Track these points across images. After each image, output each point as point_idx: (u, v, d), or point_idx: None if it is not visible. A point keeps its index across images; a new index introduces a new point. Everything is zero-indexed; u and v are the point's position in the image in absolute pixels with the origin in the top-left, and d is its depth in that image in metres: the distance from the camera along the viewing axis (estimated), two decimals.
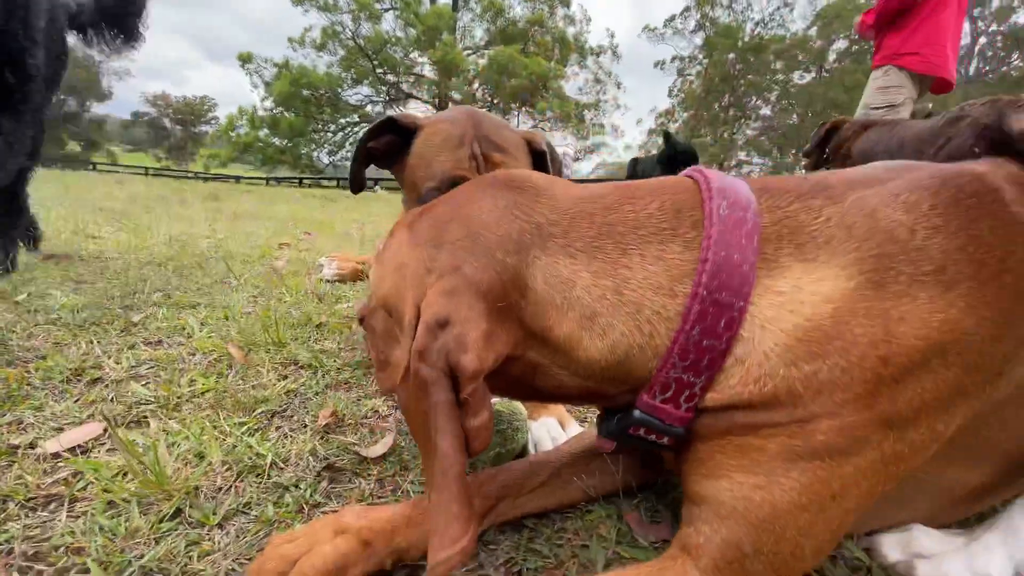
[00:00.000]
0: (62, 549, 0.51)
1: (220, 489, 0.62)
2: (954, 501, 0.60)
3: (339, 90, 24.37)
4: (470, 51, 23.94)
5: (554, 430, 0.72)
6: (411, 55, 24.71)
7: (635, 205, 0.48)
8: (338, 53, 24.33)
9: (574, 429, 0.74)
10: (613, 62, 28.95)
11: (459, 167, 0.79)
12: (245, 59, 24.34)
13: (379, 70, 24.31)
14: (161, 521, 0.55)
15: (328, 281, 1.75)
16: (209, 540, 0.53)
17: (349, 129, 26.69)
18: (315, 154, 26.68)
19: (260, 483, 0.63)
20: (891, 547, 0.59)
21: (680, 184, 0.50)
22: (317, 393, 0.89)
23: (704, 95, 35.55)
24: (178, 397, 0.82)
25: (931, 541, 0.59)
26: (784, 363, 0.43)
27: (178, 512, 0.57)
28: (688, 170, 0.53)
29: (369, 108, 26.24)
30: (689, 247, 0.45)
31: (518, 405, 0.73)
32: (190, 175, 24.91)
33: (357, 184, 0.92)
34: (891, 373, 0.42)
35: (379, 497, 0.63)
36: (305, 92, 23.47)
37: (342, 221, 4.22)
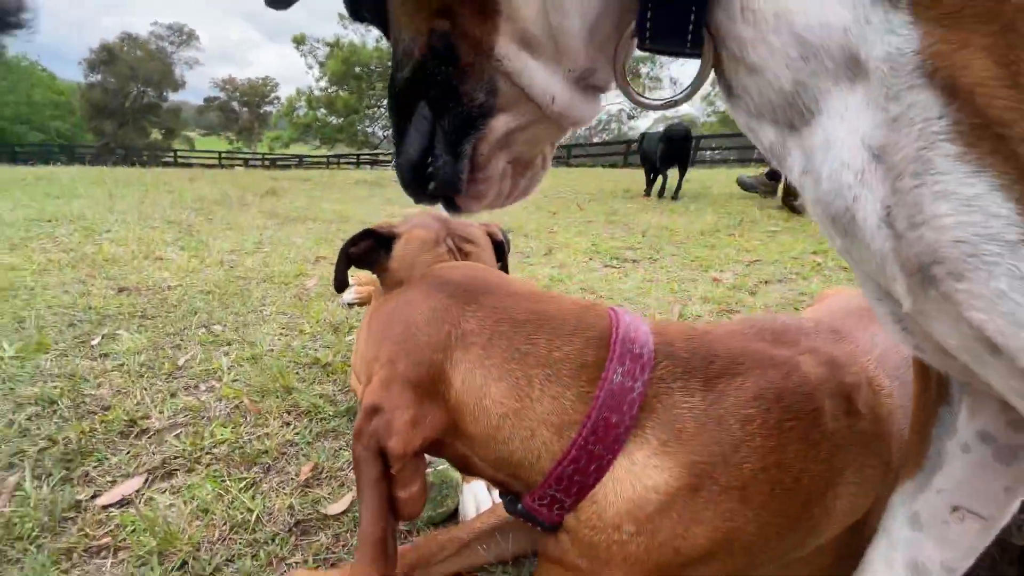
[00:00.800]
0: None
1: (217, 541, 0.82)
2: None
3: (389, 64, 24.59)
4: None
5: (480, 494, 0.87)
6: None
7: (550, 344, 0.58)
8: None
9: (496, 493, 0.88)
10: None
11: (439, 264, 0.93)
12: (299, 41, 25.07)
13: None
14: (172, 571, 0.76)
15: (348, 305, 1.96)
16: None
17: None
18: (370, 130, 27.36)
19: (246, 538, 0.83)
20: None
21: (594, 332, 0.59)
22: (309, 443, 1.08)
23: None
24: (200, 450, 1.04)
25: None
26: (612, 524, 0.54)
27: (184, 564, 0.78)
28: (612, 311, 0.62)
29: None
30: (583, 399, 0.56)
31: (452, 474, 0.88)
32: (257, 157, 26.42)
33: (340, 286, 1.07)
34: (680, 560, 0.53)
35: (332, 551, 0.81)
36: (357, 69, 23.94)
37: (383, 217, 4.47)
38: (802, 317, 0.72)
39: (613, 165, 13.82)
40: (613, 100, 0.50)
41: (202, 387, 1.31)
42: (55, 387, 1.24)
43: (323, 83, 25.29)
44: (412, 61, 0.46)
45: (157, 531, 0.80)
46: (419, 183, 0.49)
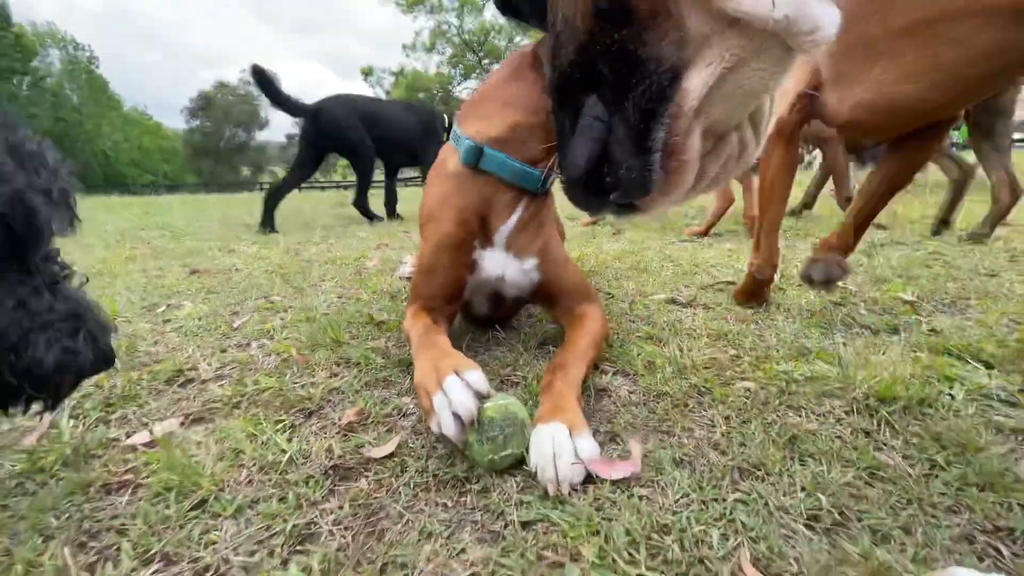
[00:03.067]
0: (112, 531, 0.61)
1: (244, 481, 0.69)
2: None
3: (449, 87, 25.48)
4: None
5: (559, 436, 0.68)
6: (515, 40, 24.82)
7: None
8: (446, 51, 25.41)
9: (585, 442, 0.69)
10: None
11: None
12: (367, 72, 26.63)
13: (485, 61, 24.87)
14: (190, 509, 0.64)
15: (405, 279, 1.85)
16: (218, 530, 0.60)
17: None
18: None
19: (276, 479, 0.69)
20: None
21: None
22: (356, 391, 0.95)
23: None
24: (241, 396, 0.94)
25: None
26: None
27: (203, 502, 0.65)
28: None
29: None
30: None
31: (516, 408, 0.70)
32: (332, 184, 28.13)
33: None
34: None
35: (373, 497, 0.65)
36: (420, 94, 24.96)
37: None
38: None
39: None
40: None
41: (254, 344, 1.23)
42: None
43: None
44: (576, 38, 0.33)
45: (177, 468, 0.69)
46: (598, 197, 0.37)
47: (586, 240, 2.54)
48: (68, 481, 0.70)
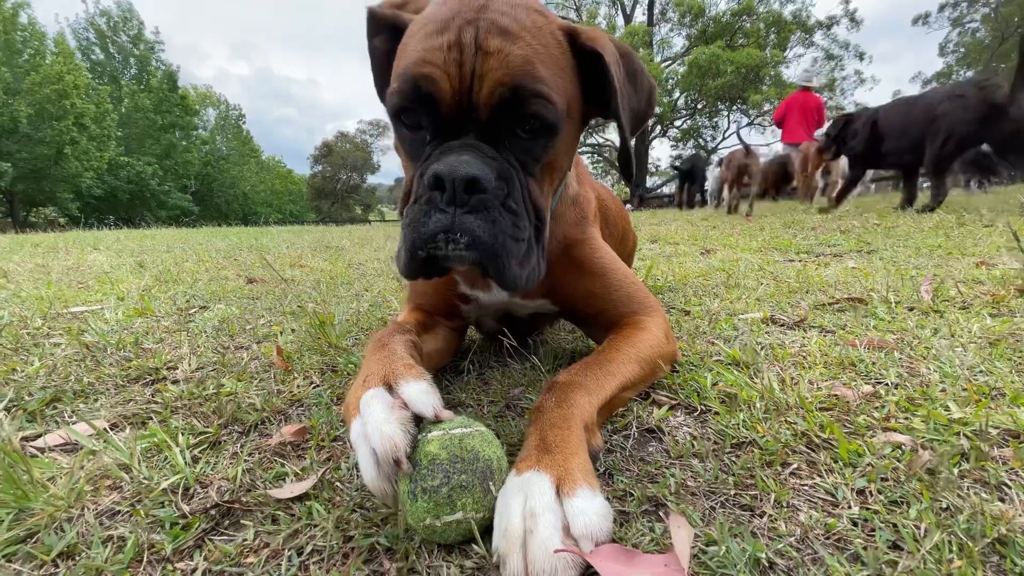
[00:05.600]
0: None
1: (103, 512, 0.49)
2: None
3: None
4: (669, 61, 22.90)
5: (537, 499, 0.40)
6: None
7: None
8: None
9: (584, 506, 0.40)
10: (851, 31, 23.78)
11: (427, 59, 0.55)
12: None
13: None
14: (12, 544, 0.45)
15: None
16: None
17: None
18: None
19: (143, 513, 0.48)
20: None
21: None
22: (318, 404, 0.74)
23: (998, 42, 26.80)
24: (191, 399, 0.76)
25: None
26: None
27: (31, 536, 0.46)
28: None
29: None
30: None
31: (479, 444, 0.44)
32: None
33: None
34: None
35: (245, 561, 0.42)
36: None
37: None
38: None
39: None
40: None
41: (254, 346, 1.08)
42: (115, 338, 1.13)
43: None
44: None
45: (16, 487, 0.50)
46: None
47: (665, 259, 2.20)
48: None
